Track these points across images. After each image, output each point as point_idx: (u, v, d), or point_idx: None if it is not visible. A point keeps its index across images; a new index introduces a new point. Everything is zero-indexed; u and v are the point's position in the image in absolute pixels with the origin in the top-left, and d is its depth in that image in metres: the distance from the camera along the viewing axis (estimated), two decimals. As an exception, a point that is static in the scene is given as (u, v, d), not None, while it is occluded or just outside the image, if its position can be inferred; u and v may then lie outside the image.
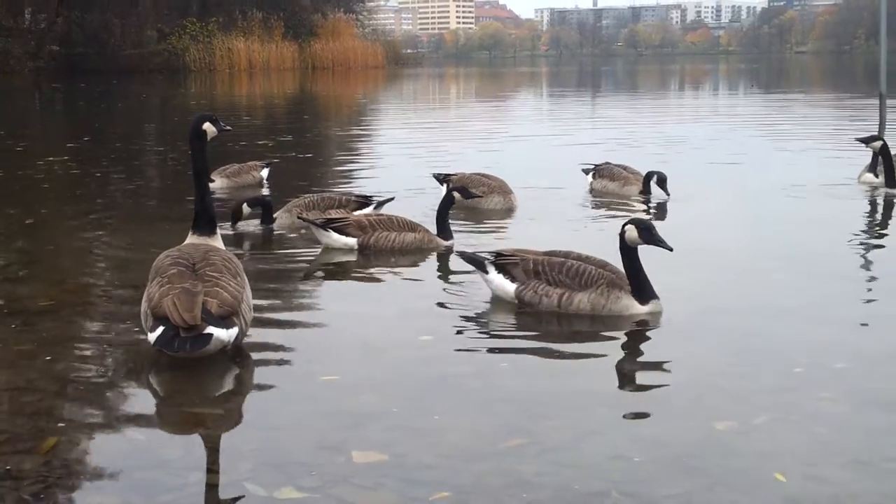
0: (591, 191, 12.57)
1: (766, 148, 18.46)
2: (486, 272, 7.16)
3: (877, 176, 12.58)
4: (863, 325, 6.64)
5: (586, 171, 12.82)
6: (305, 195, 10.66)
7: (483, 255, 7.31)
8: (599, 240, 9.75)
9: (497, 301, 7.29)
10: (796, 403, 5.18)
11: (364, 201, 10.59)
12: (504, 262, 7.11)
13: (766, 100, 39.09)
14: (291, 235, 9.99)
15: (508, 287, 7.06)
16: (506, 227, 10.54)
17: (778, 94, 42.61)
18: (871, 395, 5.28)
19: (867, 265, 8.73)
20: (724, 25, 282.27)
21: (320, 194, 10.75)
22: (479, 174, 11.77)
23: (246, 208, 10.26)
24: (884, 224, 11.02)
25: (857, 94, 39.42)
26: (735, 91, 49.13)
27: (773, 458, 4.52)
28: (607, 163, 12.80)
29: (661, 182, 11.95)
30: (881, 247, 9.57)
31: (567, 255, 7.13)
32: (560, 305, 6.88)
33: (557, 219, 10.85)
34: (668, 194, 11.92)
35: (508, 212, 11.22)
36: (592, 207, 11.77)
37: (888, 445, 4.65)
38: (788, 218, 10.91)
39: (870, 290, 7.75)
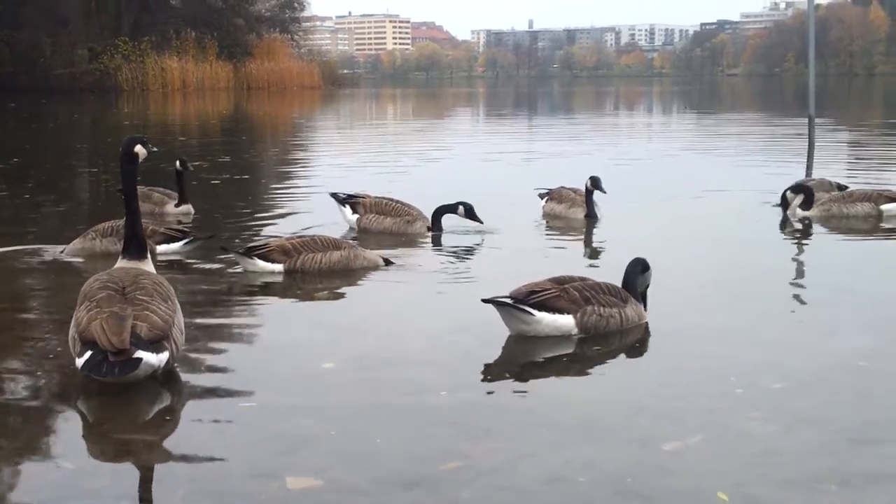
0: (544, 215, 12.53)
1: (699, 168, 18.75)
2: (533, 315, 6.62)
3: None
4: (793, 345, 6.72)
5: (541, 196, 12.78)
6: (109, 221, 10.01)
7: (503, 298, 6.69)
8: (548, 262, 9.82)
9: (429, 321, 7.28)
10: (730, 423, 5.21)
11: (175, 235, 10.03)
12: (543, 299, 6.66)
13: (700, 121, 39.70)
14: (79, 260, 9.65)
15: (564, 321, 6.68)
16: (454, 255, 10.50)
17: (711, 116, 43.33)
18: (803, 415, 5.34)
19: (795, 287, 8.87)
20: (658, 48, 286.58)
21: (121, 221, 10.15)
22: (392, 199, 11.52)
23: None
24: (805, 246, 11.17)
25: (788, 115, 40.22)
26: (669, 112, 49.84)
27: (709, 478, 4.54)
28: (562, 187, 12.74)
29: (596, 184, 11.96)
30: (806, 268, 9.77)
31: (572, 278, 6.98)
32: (623, 323, 6.91)
33: (513, 243, 10.77)
34: (604, 191, 11.99)
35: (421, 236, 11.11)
36: (542, 231, 11.76)
37: (819, 466, 4.69)
38: (719, 239, 11.06)
39: (797, 311, 7.86)
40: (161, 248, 9.81)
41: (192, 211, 12.80)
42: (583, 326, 6.74)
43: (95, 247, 9.80)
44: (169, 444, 5.05)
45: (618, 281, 7.17)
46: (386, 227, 11.19)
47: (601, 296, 6.85)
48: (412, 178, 16.68)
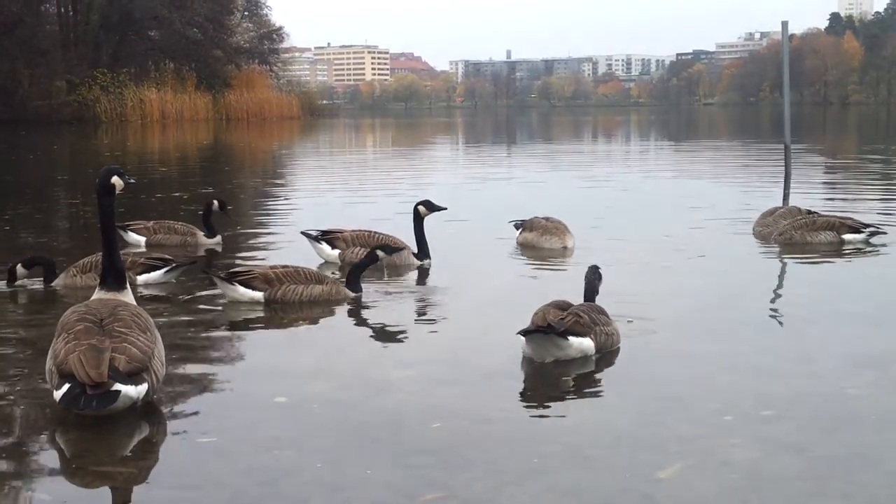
0: (518, 244, 12.50)
1: (676, 194, 18.83)
2: (567, 340, 6.86)
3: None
4: (774, 371, 6.74)
5: (516, 227, 12.79)
6: (89, 256, 9.93)
7: (532, 328, 6.86)
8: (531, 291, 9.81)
9: (408, 351, 7.29)
10: (710, 450, 5.22)
11: (156, 264, 9.95)
12: (569, 326, 6.89)
13: (679, 148, 39.94)
14: (65, 295, 9.53)
15: (588, 343, 6.99)
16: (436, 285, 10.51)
17: (689, 143, 43.59)
18: (784, 441, 5.35)
19: (773, 312, 8.90)
20: (635, 78, 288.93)
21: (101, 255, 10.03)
22: (371, 231, 11.43)
23: (21, 269, 9.79)
24: (781, 271, 11.22)
25: (764, 143, 40.54)
26: (647, 140, 50.13)
27: (689, 505, 4.55)
28: (535, 217, 12.74)
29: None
30: (783, 294, 9.82)
31: (566, 303, 7.24)
32: (618, 339, 7.26)
33: (491, 273, 10.79)
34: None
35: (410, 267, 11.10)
36: (518, 260, 11.76)
37: (801, 492, 4.70)
38: (696, 265, 11.08)
39: (775, 337, 7.89)
40: (143, 277, 9.76)
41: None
42: (598, 347, 7.05)
43: (76, 283, 9.75)
44: (147, 475, 5.01)
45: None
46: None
47: (599, 316, 7.18)
48: (389, 209, 16.66)
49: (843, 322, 8.25)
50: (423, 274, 10.73)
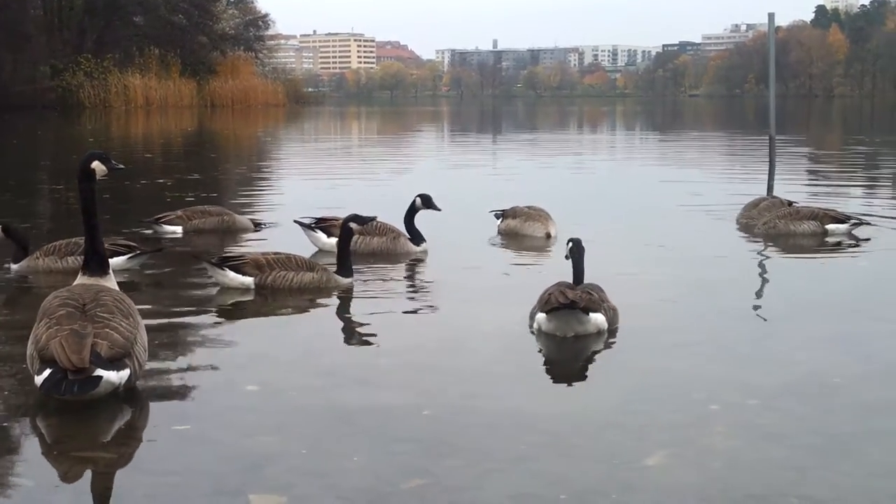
0: (499, 233, 12.52)
1: (661, 183, 18.86)
2: (587, 316, 7.17)
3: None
4: (757, 361, 6.76)
5: (497, 216, 12.79)
6: (57, 241, 9.89)
7: (557, 304, 7.09)
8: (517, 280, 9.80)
9: (393, 339, 7.28)
10: (693, 439, 5.23)
11: (119, 249, 9.80)
12: (586, 304, 7.19)
13: (664, 139, 40.00)
14: (31, 279, 9.52)
15: (602, 319, 7.31)
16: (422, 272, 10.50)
17: (675, 134, 43.66)
18: (767, 430, 5.36)
19: (757, 302, 8.92)
20: (621, 69, 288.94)
21: (66, 240, 9.81)
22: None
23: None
24: (764, 262, 11.25)
25: (749, 134, 40.64)
26: (632, 131, 50.17)
27: (674, 493, 4.55)
28: (517, 205, 12.74)
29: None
30: (767, 284, 9.84)
31: (572, 284, 7.56)
32: (618, 316, 7.54)
33: (476, 261, 10.76)
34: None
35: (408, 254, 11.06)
36: (502, 249, 11.75)
37: (782, 481, 4.71)
38: (681, 254, 11.09)
39: (759, 327, 7.91)
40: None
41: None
42: (609, 324, 7.36)
43: (38, 266, 9.68)
44: (129, 461, 4.99)
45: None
46: (375, 247, 10.89)
47: (603, 294, 7.46)
48: (372, 196, 16.64)
49: (828, 313, 8.28)
50: (414, 262, 10.70)
